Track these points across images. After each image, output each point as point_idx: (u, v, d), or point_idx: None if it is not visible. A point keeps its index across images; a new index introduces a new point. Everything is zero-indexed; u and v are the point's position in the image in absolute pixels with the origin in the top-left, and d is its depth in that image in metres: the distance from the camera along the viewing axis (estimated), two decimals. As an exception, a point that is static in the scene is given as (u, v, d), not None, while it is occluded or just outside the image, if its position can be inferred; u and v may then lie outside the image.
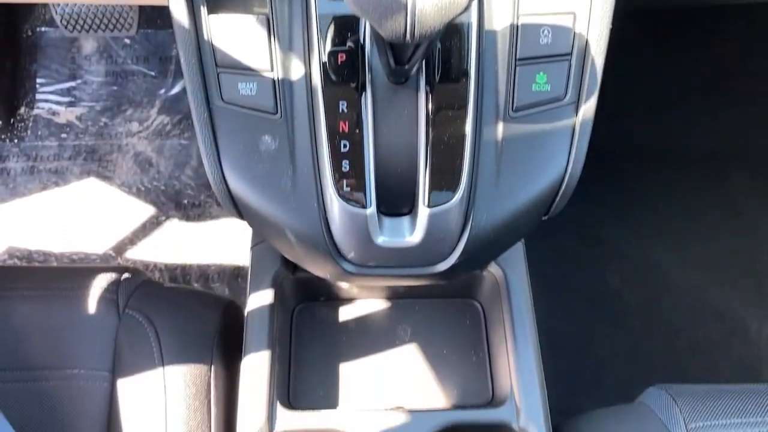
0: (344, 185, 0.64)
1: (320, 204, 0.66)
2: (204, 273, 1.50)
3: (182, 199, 1.62)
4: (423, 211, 0.65)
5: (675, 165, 1.58)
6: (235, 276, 1.49)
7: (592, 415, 0.88)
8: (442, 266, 0.69)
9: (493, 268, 0.89)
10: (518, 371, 0.81)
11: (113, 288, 0.89)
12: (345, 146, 0.64)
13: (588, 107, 0.66)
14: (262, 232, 0.73)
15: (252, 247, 0.89)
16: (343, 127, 0.64)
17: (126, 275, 0.91)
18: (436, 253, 0.69)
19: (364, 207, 0.64)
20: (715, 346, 1.40)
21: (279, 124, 0.65)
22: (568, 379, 1.35)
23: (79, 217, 1.60)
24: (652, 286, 1.46)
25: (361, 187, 0.64)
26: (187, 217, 1.59)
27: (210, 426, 0.82)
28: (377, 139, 0.64)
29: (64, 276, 0.91)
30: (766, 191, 1.56)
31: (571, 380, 1.35)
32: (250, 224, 0.73)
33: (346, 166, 0.64)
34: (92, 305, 0.87)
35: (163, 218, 1.60)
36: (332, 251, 0.68)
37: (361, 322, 0.95)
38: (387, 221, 0.67)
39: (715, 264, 1.48)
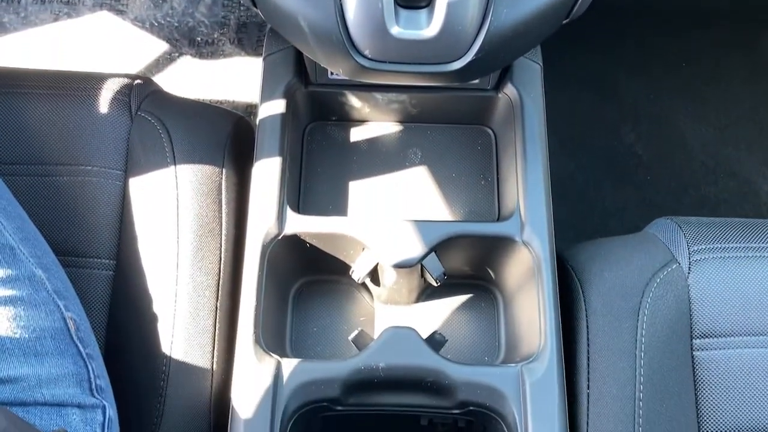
0: None
1: (336, -10, 0.64)
2: (217, 109, 1.50)
3: (195, 36, 1.59)
4: (441, 2, 0.63)
5: (701, 22, 1.53)
6: (248, 114, 1.49)
7: (596, 242, 0.89)
8: (458, 64, 0.68)
9: (509, 90, 0.87)
10: (525, 189, 0.82)
11: (126, 91, 0.88)
12: None
13: None
14: (276, 23, 0.72)
15: (264, 57, 0.88)
16: None
17: (138, 81, 0.91)
18: (452, 50, 0.67)
19: None
20: (724, 203, 1.40)
21: None
22: (575, 226, 1.37)
23: (92, 50, 1.58)
24: (666, 142, 1.45)
25: None
26: (201, 55, 1.57)
27: (221, 225, 0.84)
28: None
29: (76, 78, 0.90)
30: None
31: (578, 227, 1.37)
32: (264, 15, 0.71)
33: None
34: (104, 106, 0.87)
35: (176, 55, 1.57)
36: (347, 43, 0.67)
37: (373, 143, 0.95)
38: (403, 12, 0.65)
39: (734, 125, 1.46)
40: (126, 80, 0.90)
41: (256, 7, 0.70)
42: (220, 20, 1.60)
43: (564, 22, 0.71)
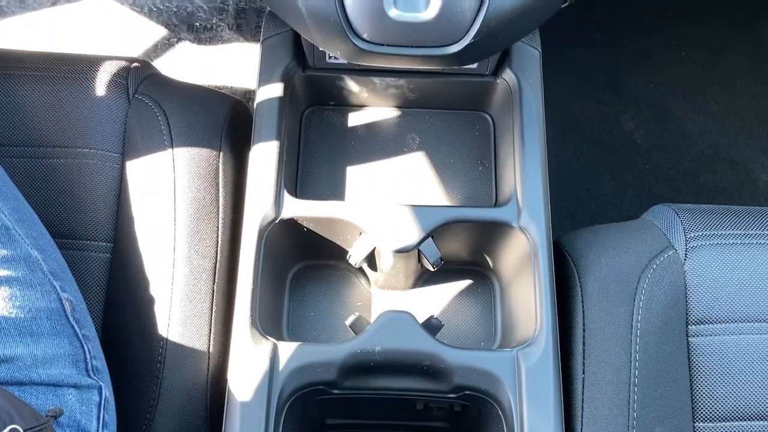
0: None
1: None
2: (215, 95, 1.49)
3: (194, 22, 1.58)
4: (439, -18, 0.63)
5: (700, 11, 1.52)
6: (246, 99, 1.48)
7: (593, 228, 0.89)
8: (456, 47, 0.68)
9: (507, 75, 0.87)
10: (523, 175, 0.82)
11: (123, 74, 0.88)
12: None
13: None
14: (273, 5, 0.71)
15: (262, 41, 0.88)
16: None
17: (136, 64, 0.90)
18: (450, 33, 0.67)
19: None
20: (722, 192, 1.40)
21: None
22: (572, 214, 1.37)
23: (90, 34, 1.57)
24: (665, 131, 1.45)
25: None
26: (199, 40, 1.56)
27: (218, 208, 0.84)
28: None
29: (73, 60, 0.90)
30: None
31: (576, 216, 1.37)
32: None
33: None
34: (102, 88, 0.86)
35: (175, 40, 1.57)
36: (344, 25, 0.67)
37: (371, 128, 0.95)
38: (401, -4, 0.65)
39: (733, 114, 1.46)
40: (123, 63, 0.89)
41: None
42: (219, 6, 1.59)
43: (563, 5, 0.71)
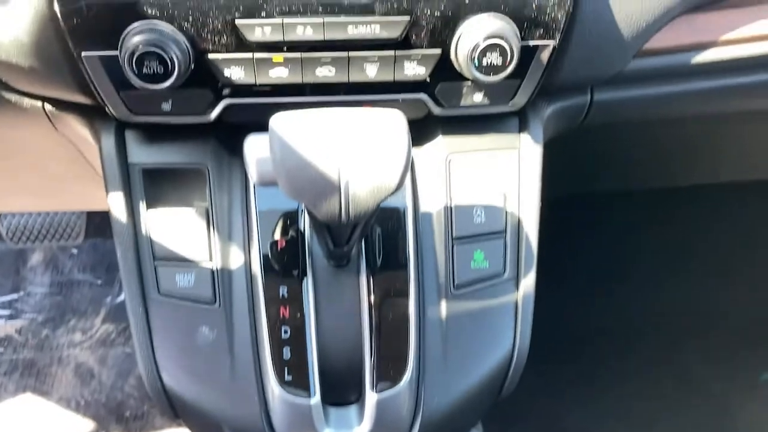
0: (286, 373, 0.62)
1: (261, 396, 0.63)
2: (144, 491, 1.38)
3: (124, 411, 1.53)
4: (371, 398, 0.62)
5: (624, 343, 1.58)
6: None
7: None
8: (397, 462, 0.65)
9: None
10: None
11: None
12: (286, 332, 0.62)
13: (527, 281, 0.67)
14: (200, 431, 0.68)
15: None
16: (284, 312, 0.63)
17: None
18: (387, 445, 0.65)
19: (308, 396, 0.61)
20: None
21: (217, 314, 0.64)
22: None
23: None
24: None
25: (304, 374, 0.62)
26: (129, 430, 1.49)
27: None
28: (320, 323, 0.63)
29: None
30: (718, 359, 1.57)
31: None
32: (186, 423, 0.68)
33: (287, 353, 0.62)
34: None
35: (103, 433, 1.49)
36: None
37: None
38: (333, 411, 0.64)
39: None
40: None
41: (177, 417, 0.68)
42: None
43: (498, 398, 0.71)
